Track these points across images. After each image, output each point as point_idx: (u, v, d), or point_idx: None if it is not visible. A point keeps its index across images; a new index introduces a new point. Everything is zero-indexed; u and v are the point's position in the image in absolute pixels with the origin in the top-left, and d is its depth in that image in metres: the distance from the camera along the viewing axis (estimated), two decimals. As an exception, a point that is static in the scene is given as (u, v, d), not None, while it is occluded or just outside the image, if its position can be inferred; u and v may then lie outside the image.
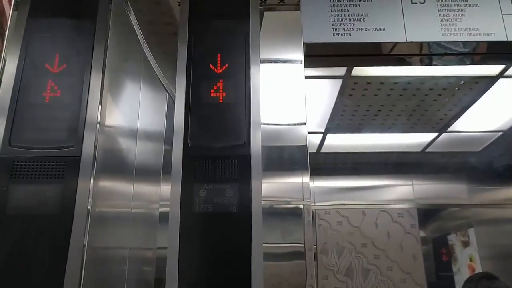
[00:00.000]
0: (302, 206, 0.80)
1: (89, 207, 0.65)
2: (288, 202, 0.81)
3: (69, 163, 0.67)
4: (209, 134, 0.72)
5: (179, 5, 0.83)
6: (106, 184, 0.73)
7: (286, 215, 0.81)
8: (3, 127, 0.69)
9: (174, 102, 0.75)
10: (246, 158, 0.70)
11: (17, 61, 0.73)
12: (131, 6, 0.88)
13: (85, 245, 0.63)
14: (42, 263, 0.62)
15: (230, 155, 0.70)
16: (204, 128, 0.72)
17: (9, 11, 0.78)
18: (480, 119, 1.37)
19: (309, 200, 0.80)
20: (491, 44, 1.03)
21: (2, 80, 0.72)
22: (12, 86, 0.72)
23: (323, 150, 1.44)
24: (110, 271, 0.77)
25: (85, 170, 0.67)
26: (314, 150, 1.42)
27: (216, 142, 0.71)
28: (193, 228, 0.65)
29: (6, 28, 0.76)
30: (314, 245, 1.25)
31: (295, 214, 0.80)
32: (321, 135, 1.40)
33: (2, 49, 0.75)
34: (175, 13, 0.96)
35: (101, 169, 0.69)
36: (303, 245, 0.77)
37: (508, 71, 1.20)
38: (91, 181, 0.66)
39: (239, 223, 0.65)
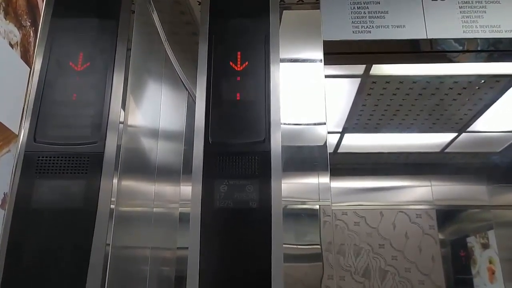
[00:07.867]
0: (318, 207, 0.80)
1: (112, 206, 0.65)
2: (305, 202, 0.81)
3: (92, 158, 0.68)
4: (229, 131, 0.72)
5: (199, 4, 0.84)
6: (129, 182, 0.73)
7: (304, 215, 0.81)
8: (28, 123, 0.70)
9: (193, 100, 0.75)
10: (266, 155, 0.70)
11: (41, 59, 0.74)
12: (154, 6, 0.89)
13: (109, 244, 0.64)
14: (66, 257, 0.62)
15: (251, 152, 0.70)
16: (224, 125, 0.72)
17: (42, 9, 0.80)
18: (501, 119, 1.35)
19: (329, 201, 0.79)
20: (513, 41, 1.02)
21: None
22: (37, 83, 0.73)
23: (340, 150, 1.43)
24: (133, 270, 0.78)
25: (108, 166, 0.67)
26: (332, 150, 1.42)
27: (237, 138, 0.71)
28: (214, 223, 0.66)
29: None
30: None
31: (313, 214, 0.80)
32: (339, 135, 1.40)
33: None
34: (195, 13, 0.97)
35: (123, 167, 0.70)
36: (319, 246, 0.77)
37: (530, 69, 1.18)
38: (114, 178, 0.67)
39: (259, 218, 0.65)
